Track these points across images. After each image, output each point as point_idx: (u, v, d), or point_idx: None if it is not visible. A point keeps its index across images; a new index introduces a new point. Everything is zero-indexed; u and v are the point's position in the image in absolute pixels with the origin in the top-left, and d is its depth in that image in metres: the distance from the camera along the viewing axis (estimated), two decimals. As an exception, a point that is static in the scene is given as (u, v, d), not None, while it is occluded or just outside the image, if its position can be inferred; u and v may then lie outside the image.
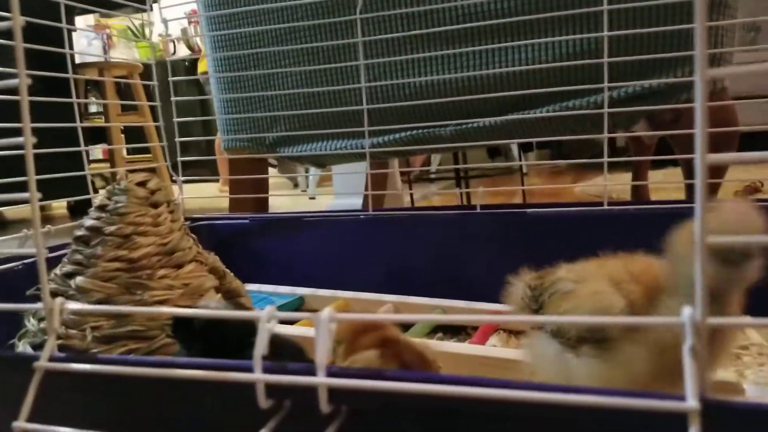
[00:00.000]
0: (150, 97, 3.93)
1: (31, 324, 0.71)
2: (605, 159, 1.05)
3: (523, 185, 2.62)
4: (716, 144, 1.09)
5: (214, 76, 1.35)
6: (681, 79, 1.05)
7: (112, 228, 0.72)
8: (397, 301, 1.08)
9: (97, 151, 4.88)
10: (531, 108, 1.14)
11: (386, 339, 0.60)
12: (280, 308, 1.09)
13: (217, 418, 0.44)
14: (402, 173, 2.51)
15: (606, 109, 1.03)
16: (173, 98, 1.27)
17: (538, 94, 1.11)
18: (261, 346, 0.39)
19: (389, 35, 1.19)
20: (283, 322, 0.41)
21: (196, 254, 0.78)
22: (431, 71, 1.17)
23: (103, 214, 0.73)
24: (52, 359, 0.45)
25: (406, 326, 1.09)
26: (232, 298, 0.85)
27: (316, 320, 0.39)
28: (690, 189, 1.17)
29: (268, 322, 0.40)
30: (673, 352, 0.41)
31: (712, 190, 1.14)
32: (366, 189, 1.17)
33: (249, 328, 0.65)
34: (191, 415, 0.45)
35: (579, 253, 1.07)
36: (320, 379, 0.38)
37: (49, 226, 0.97)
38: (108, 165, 4.05)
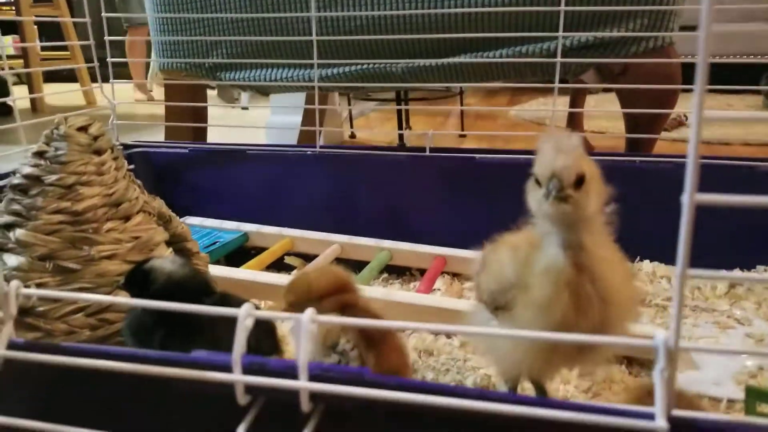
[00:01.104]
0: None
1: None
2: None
3: (462, 110, 2.63)
4: (659, 96, 1.12)
5: (149, -8, 1.25)
6: (632, 33, 1.06)
7: (53, 177, 0.67)
8: (343, 242, 1.09)
9: (7, 42, 4.47)
10: (484, 50, 1.12)
11: (346, 304, 0.61)
12: (224, 245, 1.08)
13: (191, 411, 0.44)
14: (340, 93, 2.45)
15: (559, 59, 1.03)
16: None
17: (491, 37, 1.10)
18: (239, 345, 0.39)
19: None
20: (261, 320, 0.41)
21: (143, 204, 0.74)
22: (385, 6, 1.12)
23: (42, 162, 0.68)
24: (11, 347, 0.43)
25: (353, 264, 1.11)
26: (178, 242, 0.83)
27: (296, 321, 0.39)
28: (630, 142, 1.21)
29: (246, 320, 0.40)
30: (552, 311, 0.48)
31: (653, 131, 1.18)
32: (315, 124, 1.14)
33: (204, 289, 0.64)
34: (162, 406, 0.45)
35: (523, 199, 1.10)
36: (302, 384, 0.38)
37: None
38: (21, 62, 3.73)
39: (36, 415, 0.40)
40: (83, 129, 0.71)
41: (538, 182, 0.49)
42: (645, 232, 1.06)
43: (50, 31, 4.21)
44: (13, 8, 3.48)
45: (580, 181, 0.48)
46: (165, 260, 0.63)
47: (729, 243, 1.01)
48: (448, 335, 0.85)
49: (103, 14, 1.15)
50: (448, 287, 1.02)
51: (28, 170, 0.68)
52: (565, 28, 1.03)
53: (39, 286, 0.64)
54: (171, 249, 0.76)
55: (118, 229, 0.70)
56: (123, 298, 0.61)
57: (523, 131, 2.53)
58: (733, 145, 2.20)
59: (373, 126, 3.02)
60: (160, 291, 0.60)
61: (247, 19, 1.20)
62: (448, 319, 0.82)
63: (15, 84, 4.51)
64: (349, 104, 2.66)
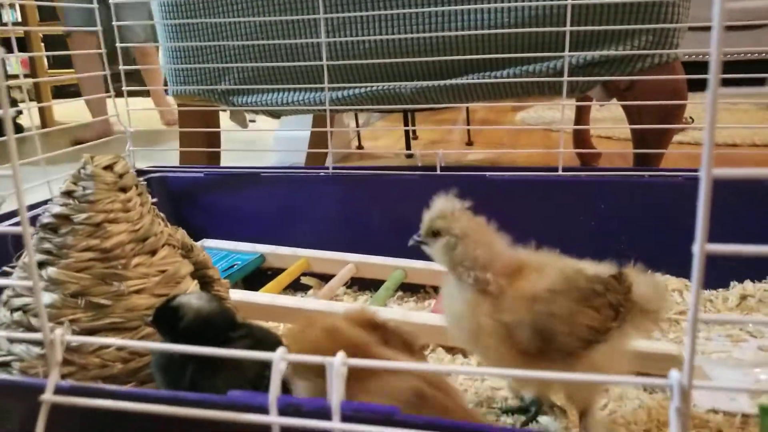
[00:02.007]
0: None
1: (2, 314, 0.70)
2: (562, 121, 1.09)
3: (468, 118, 2.65)
4: (665, 111, 1.14)
5: (161, 23, 1.28)
6: (637, 51, 1.08)
7: (82, 216, 0.70)
8: (358, 261, 1.11)
9: (13, 61, 4.52)
10: (491, 70, 1.14)
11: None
12: (242, 268, 1.11)
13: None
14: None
15: (566, 78, 1.05)
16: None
17: (498, 58, 1.12)
18: (275, 388, 0.41)
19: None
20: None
21: (168, 237, 0.77)
22: (393, 30, 1.15)
23: (71, 201, 0.71)
24: (58, 391, 0.45)
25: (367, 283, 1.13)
26: (199, 269, 0.86)
27: (328, 365, 0.42)
28: (637, 157, 1.22)
29: (280, 364, 0.42)
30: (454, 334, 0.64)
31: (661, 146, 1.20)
32: (323, 141, 1.16)
33: (230, 324, 0.67)
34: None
35: (533, 216, 1.12)
36: (335, 425, 0.40)
37: (1, 194, 0.93)
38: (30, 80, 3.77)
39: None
40: (109, 167, 0.73)
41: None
42: (656, 245, 1.08)
43: (56, 48, 4.27)
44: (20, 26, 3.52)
45: (435, 234, 0.65)
46: (192, 296, 0.66)
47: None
48: (465, 354, 0.87)
49: (114, 23, 1.17)
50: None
51: (57, 209, 0.71)
52: (571, 47, 1.05)
53: (72, 322, 0.67)
54: (196, 281, 0.78)
55: (146, 264, 0.72)
56: (159, 344, 0.64)
57: (528, 136, 2.55)
58: (741, 147, 2.21)
59: (379, 136, 3.04)
60: (189, 327, 0.63)
61: (258, 46, 1.23)
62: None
63: (22, 101, 4.56)
64: (356, 118, 2.69)
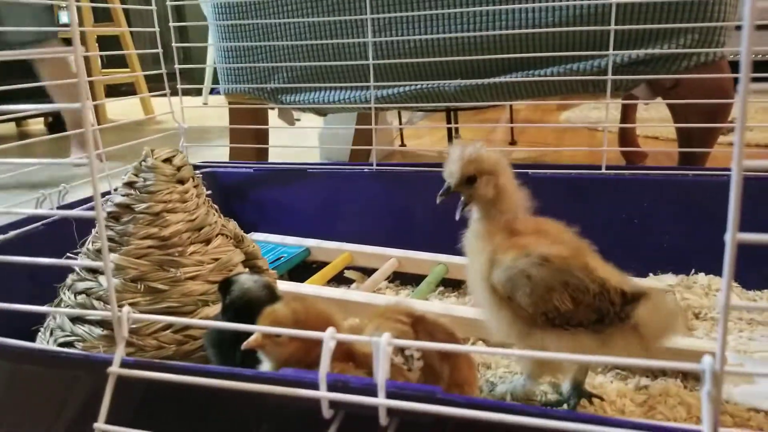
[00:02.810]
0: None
1: (67, 297, 0.75)
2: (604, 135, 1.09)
3: (511, 118, 2.64)
4: (711, 110, 1.13)
5: (214, 23, 1.33)
6: (683, 50, 1.07)
7: (143, 206, 0.74)
8: (401, 256, 1.13)
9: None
10: (535, 68, 1.16)
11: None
12: (288, 260, 1.14)
13: (279, 423, 0.50)
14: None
15: (610, 76, 1.06)
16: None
17: (542, 56, 1.13)
18: (325, 365, 0.44)
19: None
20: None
21: (221, 227, 0.81)
22: (437, 29, 1.17)
23: (132, 191, 0.76)
24: (123, 365, 0.49)
25: (409, 278, 1.15)
26: (249, 260, 0.90)
27: (374, 344, 0.44)
28: (682, 156, 1.22)
29: (329, 342, 0.45)
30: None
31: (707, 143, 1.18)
32: (368, 137, 1.19)
33: (271, 301, 0.70)
34: (251, 417, 0.51)
35: (576, 214, 1.13)
36: (381, 401, 0.43)
37: (63, 185, 0.98)
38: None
39: (140, 424, 0.46)
40: (168, 160, 0.78)
41: None
42: (700, 245, 1.06)
43: (109, 47, 4.42)
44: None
45: (471, 180, 0.65)
46: (249, 277, 0.69)
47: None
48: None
49: (171, 24, 1.22)
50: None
51: (119, 199, 0.76)
52: (615, 45, 1.05)
53: (131, 305, 0.71)
54: (247, 269, 0.82)
55: (201, 252, 0.77)
56: (211, 321, 0.68)
57: (573, 136, 2.53)
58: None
59: (422, 134, 3.06)
60: (234, 302, 0.67)
61: (306, 45, 1.27)
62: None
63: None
64: (399, 117, 2.71)
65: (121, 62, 4.35)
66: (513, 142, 2.55)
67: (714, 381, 0.38)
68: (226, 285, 0.67)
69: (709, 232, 1.07)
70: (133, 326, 0.71)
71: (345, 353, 0.55)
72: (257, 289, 0.68)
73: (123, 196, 0.76)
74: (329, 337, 0.45)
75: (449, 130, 2.38)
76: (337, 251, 1.18)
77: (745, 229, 0.36)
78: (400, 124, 2.73)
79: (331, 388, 0.44)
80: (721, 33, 1.09)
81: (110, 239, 0.75)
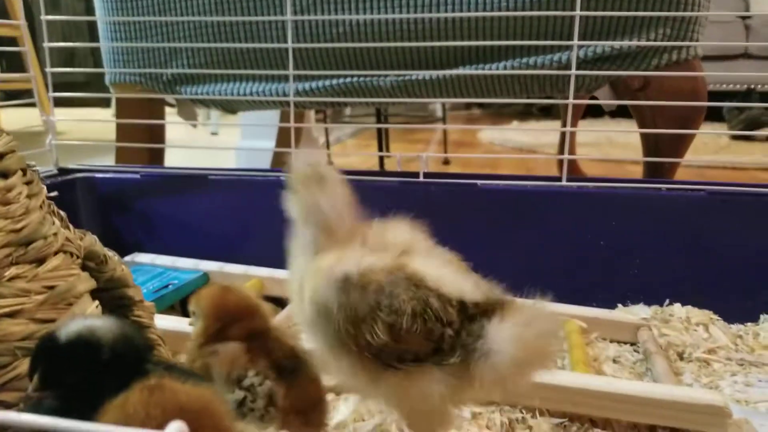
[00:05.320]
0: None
1: None
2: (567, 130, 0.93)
3: (444, 135, 2.51)
4: (683, 114, 0.99)
5: (98, -8, 1.09)
6: (653, 43, 0.93)
7: (-66, 208, 0.50)
8: (322, 283, 0.92)
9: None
10: (486, 62, 0.98)
11: (255, 331, 0.54)
12: (179, 288, 0.91)
13: None
14: (317, 111, 2.31)
15: (573, 71, 0.90)
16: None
17: (496, 47, 0.96)
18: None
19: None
20: None
21: (65, 242, 0.57)
22: (371, 9, 0.97)
23: None
24: None
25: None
26: (115, 288, 0.66)
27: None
28: (648, 165, 1.07)
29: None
30: None
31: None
32: (289, 145, 0.99)
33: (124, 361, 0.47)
34: None
35: (532, 232, 0.96)
36: None
37: None
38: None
39: None
40: (-17, 144, 0.54)
41: None
42: (675, 271, 0.93)
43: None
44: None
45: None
46: (83, 319, 0.46)
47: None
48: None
49: (43, 17, 0.99)
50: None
51: None
52: (578, 36, 0.89)
53: None
54: (97, 302, 0.58)
55: (27, 277, 0.52)
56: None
57: (508, 161, 2.41)
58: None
59: (350, 153, 2.88)
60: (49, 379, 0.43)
61: (212, 24, 1.04)
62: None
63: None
64: (327, 135, 2.53)
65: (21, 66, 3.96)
66: (447, 162, 2.40)
67: None
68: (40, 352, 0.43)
69: (685, 255, 0.92)
70: None
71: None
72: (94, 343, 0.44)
73: None
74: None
75: (380, 144, 2.21)
76: (244, 277, 0.96)
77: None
78: (327, 142, 2.53)
79: None
80: (696, 29, 0.95)
81: None
